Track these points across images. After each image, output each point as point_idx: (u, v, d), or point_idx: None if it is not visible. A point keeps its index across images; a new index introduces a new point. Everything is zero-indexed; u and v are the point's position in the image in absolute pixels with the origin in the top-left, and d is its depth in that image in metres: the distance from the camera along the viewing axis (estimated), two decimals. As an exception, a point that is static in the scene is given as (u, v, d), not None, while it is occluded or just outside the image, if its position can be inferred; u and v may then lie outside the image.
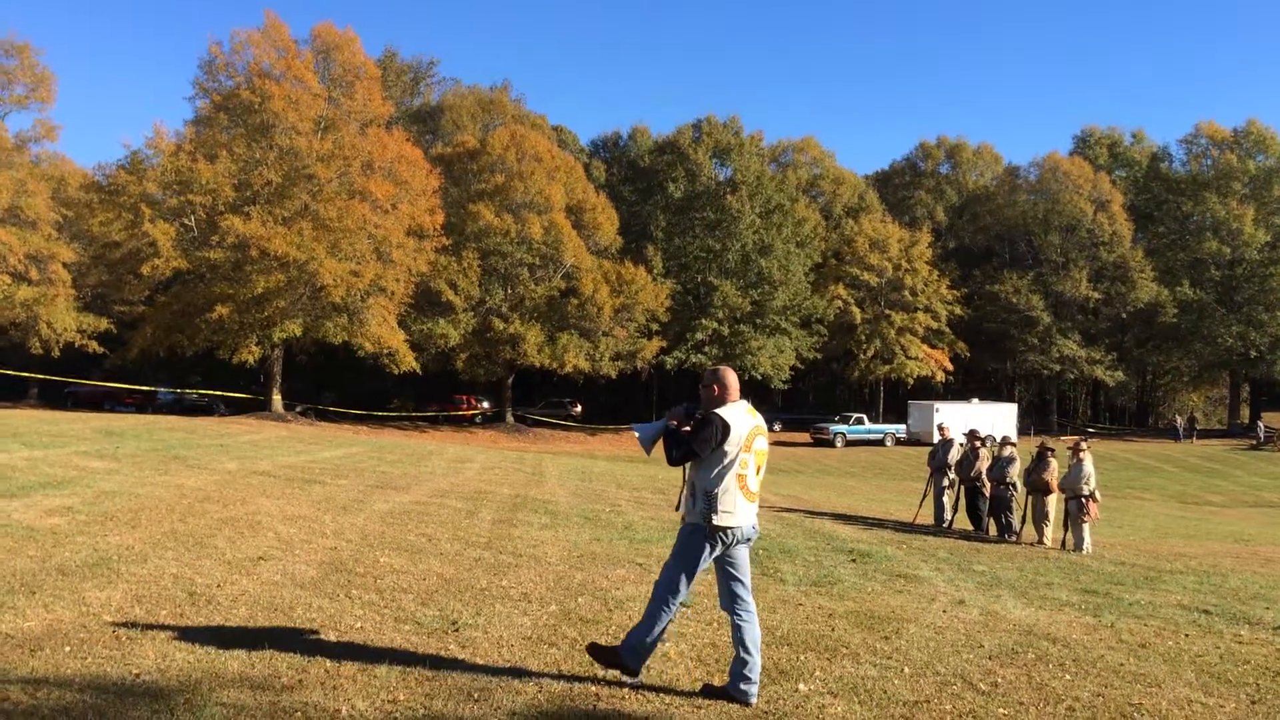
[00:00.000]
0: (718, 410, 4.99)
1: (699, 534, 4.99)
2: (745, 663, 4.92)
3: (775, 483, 26.70)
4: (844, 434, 50.05)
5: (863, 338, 55.81)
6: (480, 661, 5.39)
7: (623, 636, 5.38)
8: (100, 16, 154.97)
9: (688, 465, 5.07)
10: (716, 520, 4.91)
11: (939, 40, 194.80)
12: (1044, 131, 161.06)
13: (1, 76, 39.09)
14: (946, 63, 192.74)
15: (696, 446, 4.93)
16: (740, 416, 5.02)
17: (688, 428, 5.08)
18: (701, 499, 4.96)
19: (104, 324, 39.01)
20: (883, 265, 56.27)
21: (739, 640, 4.98)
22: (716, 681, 5.14)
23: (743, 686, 4.90)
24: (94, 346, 38.36)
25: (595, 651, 5.23)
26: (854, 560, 10.28)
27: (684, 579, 5.05)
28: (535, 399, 56.05)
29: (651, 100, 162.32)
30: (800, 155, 68.81)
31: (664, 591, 5.06)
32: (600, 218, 48.55)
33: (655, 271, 49.28)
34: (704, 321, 50.30)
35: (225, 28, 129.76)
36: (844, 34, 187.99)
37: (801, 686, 5.25)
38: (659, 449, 5.24)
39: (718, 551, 5.03)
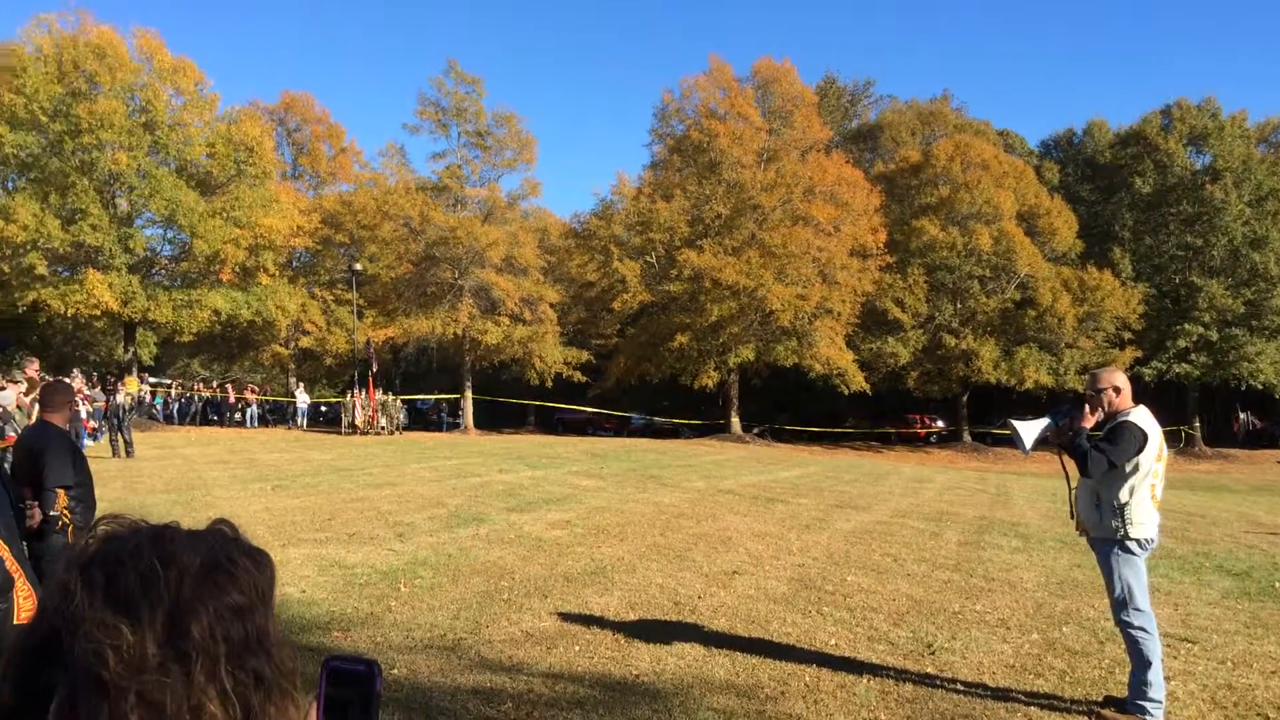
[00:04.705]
0: (1131, 418, 4.64)
1: (1119, 547, 4.69)
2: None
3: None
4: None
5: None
6: (961, 687, 5.19)
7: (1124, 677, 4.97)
8: (567, 88, 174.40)
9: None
10: (1132, 532, 4.64)
11: None
12: None
13: (495, 144, 45.00)
14: None
15: (1115, 458, 4.60)
16: (1151, 424, 4.67)
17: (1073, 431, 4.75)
18: (1110, 511, 4.66)
19: (584, 356, 43.45)
20: None
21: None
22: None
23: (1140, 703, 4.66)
24: (578, 377, 42.88)
25: (1111, 703, 4.90)
26: None
27: (1138, 594, 4.68)
28: (994, 417, 53.28)
29: (1105, 91, 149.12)
30: (1299, 129, 59.15)
31: (1126, 619, 4.70)
32: (1056, 222, 45.36)
33: (1123, 275, 44.92)
34: (1186, 327, 44.81)
35: (674, 78, 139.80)
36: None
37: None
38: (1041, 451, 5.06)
39: (1145, 556, 4.74)
